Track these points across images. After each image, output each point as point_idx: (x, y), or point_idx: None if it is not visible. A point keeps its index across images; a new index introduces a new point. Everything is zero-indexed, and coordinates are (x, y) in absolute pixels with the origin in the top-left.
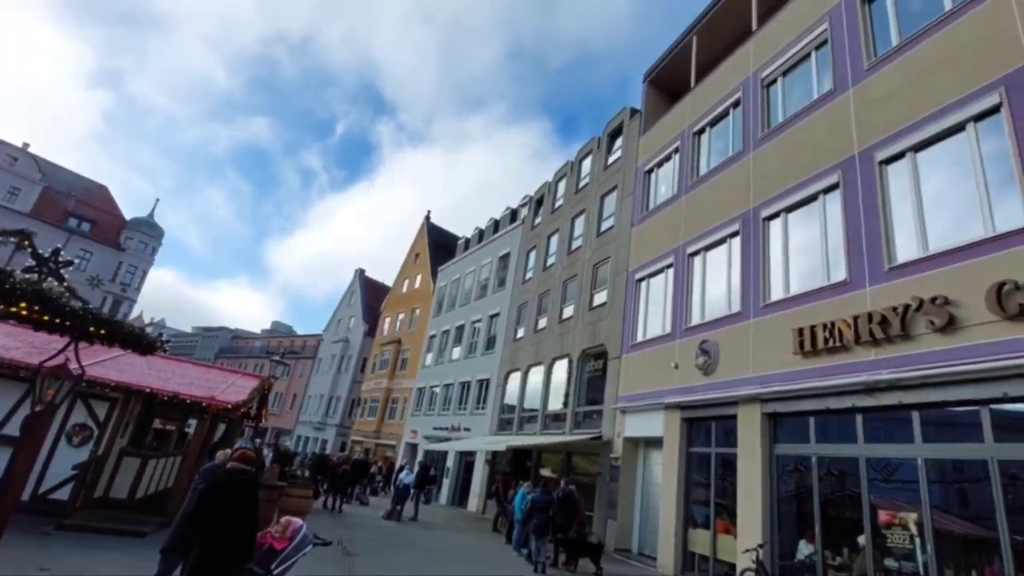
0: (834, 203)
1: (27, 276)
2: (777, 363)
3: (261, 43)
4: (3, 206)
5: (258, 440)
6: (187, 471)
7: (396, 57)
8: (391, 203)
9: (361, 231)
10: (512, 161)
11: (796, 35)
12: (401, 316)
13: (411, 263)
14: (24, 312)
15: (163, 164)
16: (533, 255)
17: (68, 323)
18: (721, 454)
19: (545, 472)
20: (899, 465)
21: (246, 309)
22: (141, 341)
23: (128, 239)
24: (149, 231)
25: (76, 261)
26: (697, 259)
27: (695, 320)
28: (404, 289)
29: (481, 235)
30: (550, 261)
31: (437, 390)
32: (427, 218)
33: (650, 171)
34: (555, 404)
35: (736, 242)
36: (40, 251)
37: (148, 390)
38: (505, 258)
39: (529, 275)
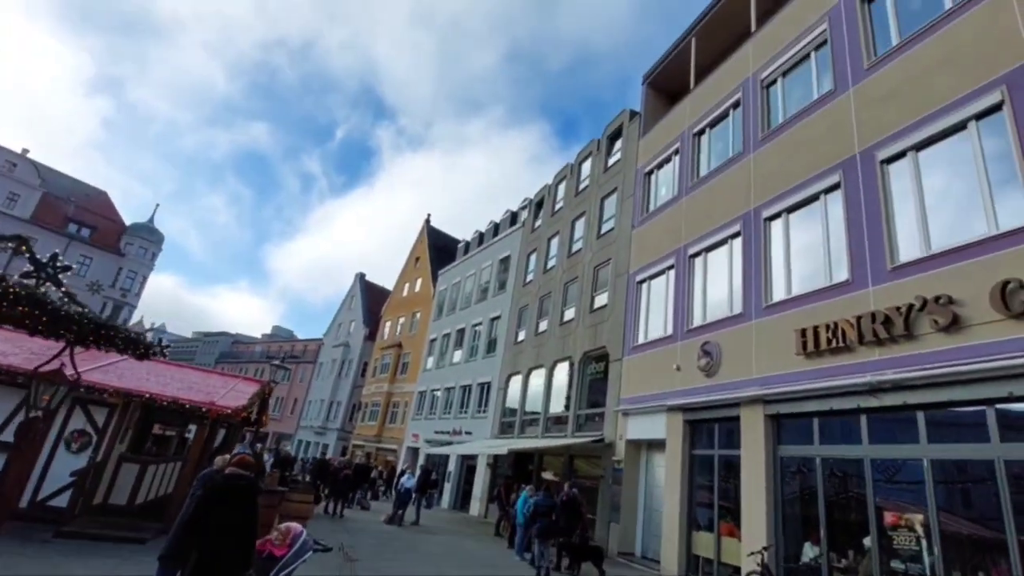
0: (835, 203)
1: (21, 280)
2: (780, 364)
3: (261, 48)
4: (2, 212)
5: (259, 445)
6: (187, 477)
7: (396, 61)
8: (391, 207)
9: (361, 235)
10: (511, 165)
11: (795, 35)
12: (402, 320)
13: (411, 267)
14: (19, 316)
15: (163, 170)
16: (533, 258)
17: (63, 328)
18: (724, 456)
19: (547, 476)
20: (904, 466)
21: (246, 314)
22: (138, 345)
23: (128, 245)
24: (149, 236)
25: (75, 267)
26: (698, 260)
27: (697, 321)
28: (404, 293)
29: (481, 238)
30: (550, 264)
31: (438, 394)
32: (427, 222)
33: (650, 173)
34: (557, 407)
35: (737, 243)
36: (38, 256)
37: (147, 395)
38: (505, 261)
39: (530, 278)
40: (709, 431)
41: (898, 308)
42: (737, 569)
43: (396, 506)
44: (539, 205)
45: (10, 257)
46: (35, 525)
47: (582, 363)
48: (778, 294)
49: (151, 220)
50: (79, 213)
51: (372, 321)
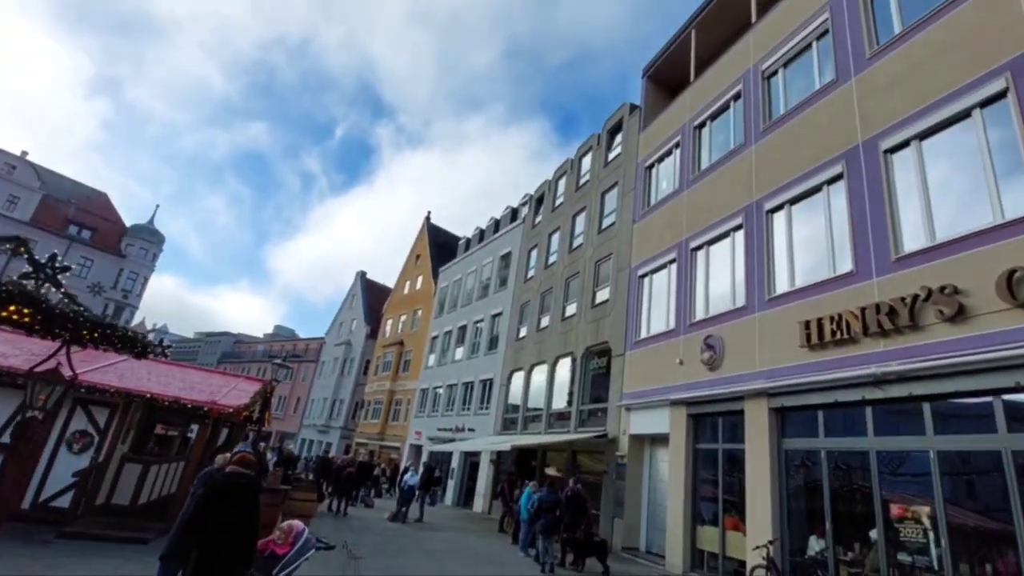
0: (838, 194)
1: (15, 279)
2: (784, 357)
3: (259, 47)
4: (2, 215)
5: (262, 444)
6: (190, 476)
7: (394, 59)
8: (391, 205)
9: (361, 234)
10: (511, 161)
11: (796, 25)
12: (403, 317)
13: (412, 264)
14: (14, 316)
15: (163, 171)
16: (534, 254)
17: (59, 326)
18: (728, 450)
19: (550, 471)
20: (910, 458)
21: (248, 314)
22: (135, 343)
23: (129, 246)
24: (150, 238)
25: (74, 267)
26: (700, 254)
27: (699, 315)
28: (405, 290)
29: (482, 235)
30: (552, 259)
31: (440, 391)
32: (427, 219)
33: (651, 167)
34: (559, 403)
35: (739, 235)
36: (37, 257)
37: (148, 395)
38: (506, 257)
39: (531, 274)
40: (713, 425)
41: (903, 299)
42: (742, 563)
43: (400, 503)
44: (539, 201)
45: (8, 258)
46: (37, 526)
47: (584, 358)
48: (781, 286)
49: (151, 221)
50: (79, 215)
51: (373, 319)
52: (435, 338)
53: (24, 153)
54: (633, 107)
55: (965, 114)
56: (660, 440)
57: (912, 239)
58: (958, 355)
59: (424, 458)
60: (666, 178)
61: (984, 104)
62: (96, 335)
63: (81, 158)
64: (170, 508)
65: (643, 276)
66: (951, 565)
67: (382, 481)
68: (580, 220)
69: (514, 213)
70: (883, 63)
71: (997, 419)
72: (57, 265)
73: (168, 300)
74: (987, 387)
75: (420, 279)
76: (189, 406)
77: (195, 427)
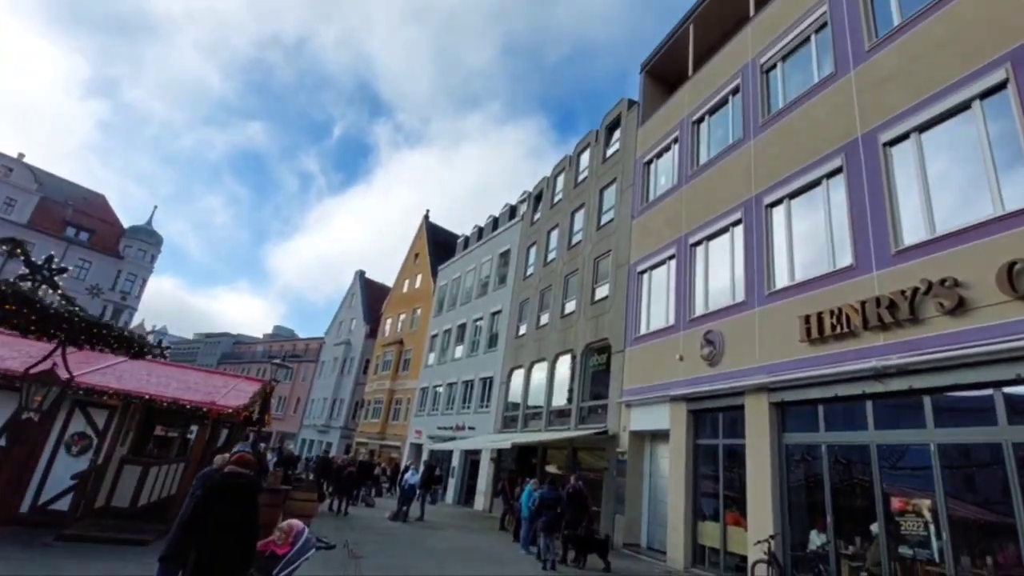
0: (838, 187)
1: (7, 279)
2: (784, 351)
3: (255, 47)
4: (0, 217)
5: (263, 444)
6: (189, 478)
7: (392, 57)
8: (390, 204)
9: (360, 233)
10: (510, 159)
11: (795, 19)
12: (402, 316)
13: (411, 263)
14: (7, 315)
15: (160, 171)
16: (533, 251)
17: (54, 326)
18: (728, 445)
19: (551, 469)
20: (911, 451)
21: (247, 314)
22: (131, 343)
23: (127, 247)
24: (148, 239)
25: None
26: (699, 249)
27: (699, 311)
28: (405, 289)
29: (480, 233)
30: (551, 256)
31: (440, 390)
32: (426, 217)
33: (649, 162)
34: (559, 400)
35: (739, 230)
36: (33, 259)
37: (147, 397)
38: (505, 255)
39: (530, 271)
40: (713, 420)
41: (903, 292)
42: (744, 558)
43: (400, 502)
44: (538, 198)
45: (4, 260)
46: (36, 529)
47: (584, 355)
48: (781, 281)
49: (149, 222)
50: (77, 217)
51: (373, 318)
52: (435, 337)
53: (21, 155)
54: (631, 103)
55: (965, 106)
56: (661, 436)
57: (912, 232)
58: (958, 348)
59: (425, 457)
60: (665, 174)
61: (984, 95)
62: (92, 335)
63: (78, 159)
64: (170, 510)
65: (642, 272)
66: (952, 558)
67: (383, 480)
68: (579, 217)
69: (513, 210)
70: (882, 55)
71: (998, 412)
72: (54, 267)
73: (167, 301)
74: (987, 380)
75: (419, 278)
76: (188, 407)
77: (195, 428)
